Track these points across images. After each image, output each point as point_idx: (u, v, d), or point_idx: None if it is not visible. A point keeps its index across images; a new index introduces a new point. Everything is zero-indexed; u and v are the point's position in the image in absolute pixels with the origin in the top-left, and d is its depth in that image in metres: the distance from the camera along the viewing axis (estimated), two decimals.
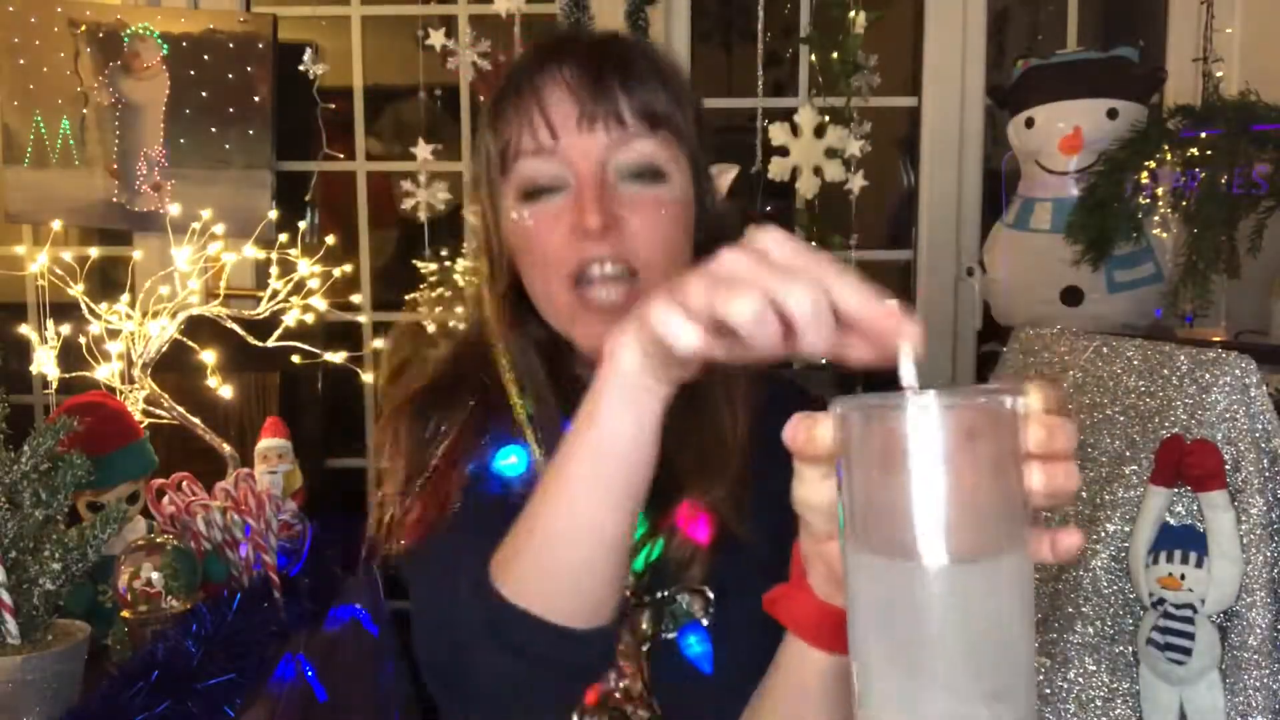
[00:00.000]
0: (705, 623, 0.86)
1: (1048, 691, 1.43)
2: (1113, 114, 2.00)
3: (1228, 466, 1.29)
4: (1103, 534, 1.41)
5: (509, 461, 0.90)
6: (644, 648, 0.85)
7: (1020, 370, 1.77)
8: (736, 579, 0.85)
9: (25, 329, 2.04)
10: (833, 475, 0.52)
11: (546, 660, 0.72)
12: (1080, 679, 1.41)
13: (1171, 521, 1.34)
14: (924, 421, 0.46)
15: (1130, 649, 1.39)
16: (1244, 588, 1.28)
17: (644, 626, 0.86)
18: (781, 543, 0.73)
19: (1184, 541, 1.30)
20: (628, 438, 0.67)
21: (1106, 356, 1.54)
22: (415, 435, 0.92)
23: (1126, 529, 1.39)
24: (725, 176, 2.03)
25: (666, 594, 0.86)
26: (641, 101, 0.85)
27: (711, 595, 0.86)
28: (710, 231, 0.90)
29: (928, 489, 0.46)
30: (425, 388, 0.95)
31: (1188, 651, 1.27)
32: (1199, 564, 1.28)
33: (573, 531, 0.70)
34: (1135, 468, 1.40)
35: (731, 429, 0.89)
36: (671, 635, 0.86)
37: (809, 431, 0.53)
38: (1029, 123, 2.10)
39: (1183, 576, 1.29)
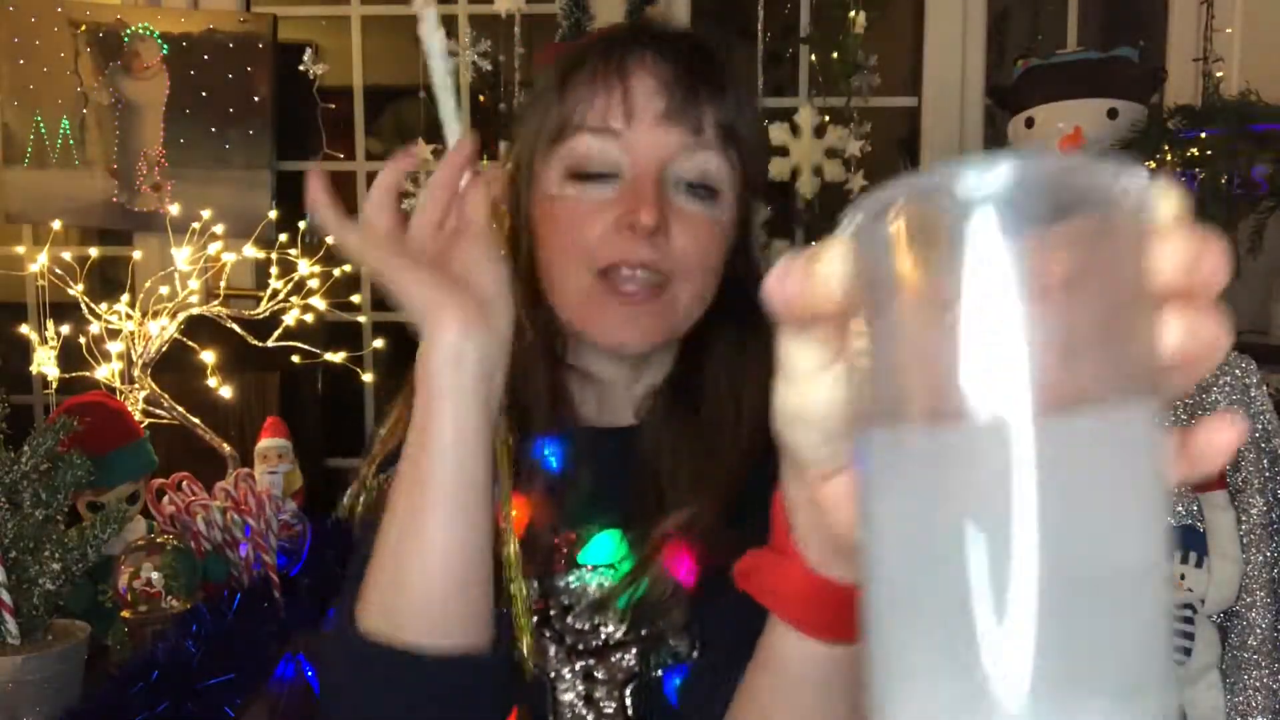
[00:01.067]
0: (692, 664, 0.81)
1: None
2: (1113, 114, 2.01)
3: (1228, 466, 1.29)
4: None
5: None
6: (628, 686, 0.82)
7: None
8: (719, 620, 0.79)
9: (25, 329, 2.04)
10: (836, 355, 0.36)
11: (413, 691, 0.68)
12: None
13: (1171, 521, 1.34)
14: (990, 226, 0.28)
15: None
16: (1244, 588, 1.28)
17: (630, 663, 0.82)
18: None
19: (1184, 541, 1.30)
20: (444, 445, 0.68)
21: None
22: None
23: None
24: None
25: (651, 632, 0.81)
26: (722, 116, 0.82)
27: (699, 639, 0.81)
28: (742, 262, 0.88)
29: (1001, 332, 0.28)
30: None
31: (1187, 651, 1.27)
32: (1199, 564, 1.28)
33: (404, 547, 0.69)
34: None
35: (734, 444, 0.82)
36: (658, 674, 0.81)
37: (809, 269, 0.35)
38: (1029, 123, 2.10)
39: (1182, 576, 1.29)
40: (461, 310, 0.68)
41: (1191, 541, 1.30)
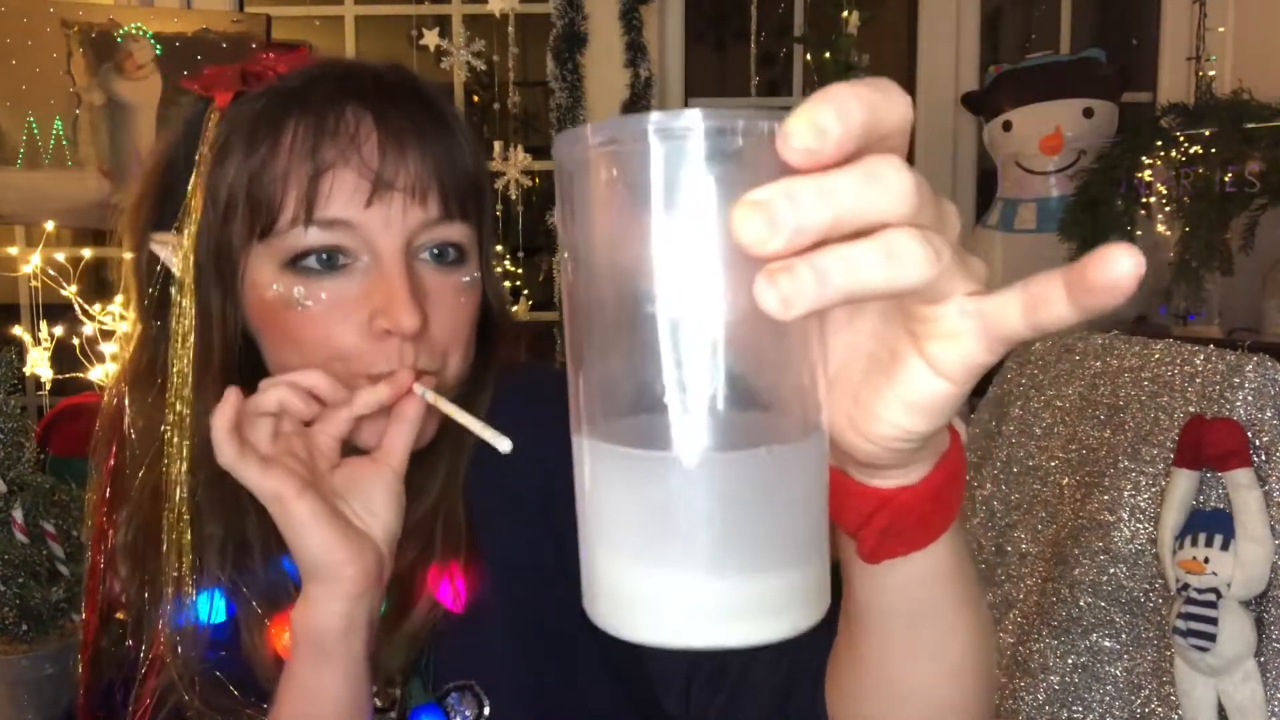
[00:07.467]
0: None
1: (1080, 681, 1.44)
2: (1088, 113, 2.06)
3: (1260, 458, 1.27)
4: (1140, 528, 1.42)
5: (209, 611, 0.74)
6: None
7: (1048, 368, 1.77)
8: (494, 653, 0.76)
9: (19, 330, 2.04)
10: None
11: None
12: (1122, 673, 1.41)
13: (1204, 508, 1.32)
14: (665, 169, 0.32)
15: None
16: None
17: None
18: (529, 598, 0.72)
19: (1212, 525, 1.28)
20: (339, 712, 0.64)
21: (1126, 356, 1.54)
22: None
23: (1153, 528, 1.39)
24: None
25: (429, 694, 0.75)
26: (458, 172, 0.71)
27: (485, 699, 0.75)
28: (491, 314, 0.78)
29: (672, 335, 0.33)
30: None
31: (1211, 638, 1.24)
32: (1224, 546, 1.26)
33: None
34: (1161, 465, 1.41)
35: (439, 462, 0.76)
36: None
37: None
38: (1006, 126, 2.14)
39: (1206, 560, 1.26)
40: (364, 571, 0.64)
41: (1219, 525, 1.28)
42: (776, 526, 0.36)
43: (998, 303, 0.34)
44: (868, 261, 0.31)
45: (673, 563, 0.35)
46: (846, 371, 0.40)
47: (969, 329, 0.35)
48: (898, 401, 0.38)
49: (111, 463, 0.77)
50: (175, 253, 0.72)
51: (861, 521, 0.45)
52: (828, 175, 0.31)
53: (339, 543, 0.63)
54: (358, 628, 0.64)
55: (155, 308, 0.75)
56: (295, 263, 0.68)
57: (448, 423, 0.74)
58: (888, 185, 0.31)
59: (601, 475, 0.37)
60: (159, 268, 0.74)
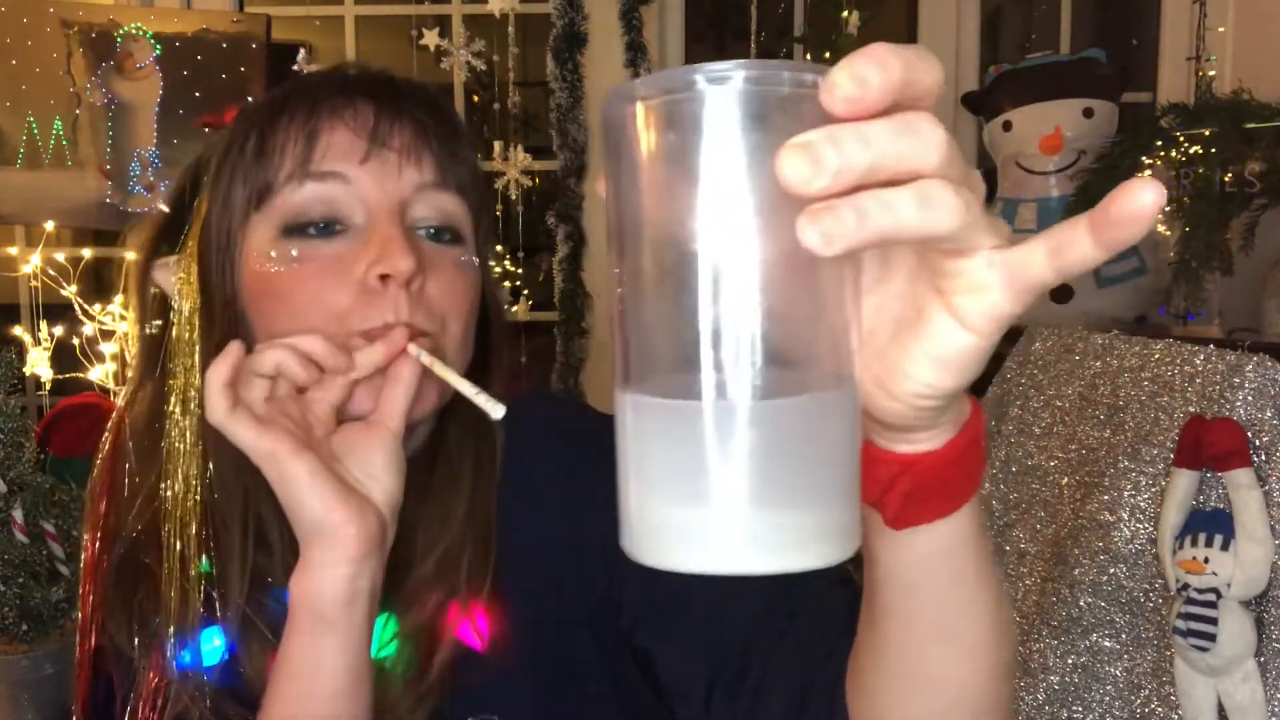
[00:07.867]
0: None
1: (1080, 681, 1.44)
2: (1088, 113, 2.06)
3: (1260, 458, 1.27)
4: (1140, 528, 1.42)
5: (210, 647, 0.71)
6: None
7: (1048, 367, 1.77)
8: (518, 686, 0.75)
9: (19, 330, 2.04)
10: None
11: None
12: (1122, 673, 1.40)
13: (1204, 508, 1.32)
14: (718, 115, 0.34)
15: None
16: None
17: None
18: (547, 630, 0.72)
19: (1212, 525, 1.28)
20: (336, 689, 0.62)
21: (1126, 356, 1.54)
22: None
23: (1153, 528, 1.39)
24: None
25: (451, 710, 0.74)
26: (453, 156, 0.73)
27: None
28: (489, 310, 0.79)
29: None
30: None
31: (1211, 638, 1.23)
32: (1224, 546, 1.26)
33: None
34: (1161, 465, 1.41)
35: (469, 491, 0.76)
36: None
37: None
38: (1006, 126, 2.14)
39: (1206, 560, 1.26)
40: (366, 533, 0.62)
41: (1219, 525, 1.27)
42: (814, 466, 0.37)
43: (1023, 252, 0.36)
44: (904, 205, 0.33)
45: (718, 499, 0.36)
46: (874, 336, 0.42)
47: (996, 280, 0.37)
48: (925, 357, 0.39)
49: (104, 504, 0.77)
50: (173, 271, 0.73)
51: (885, 488, 0.46)
52: (868, 124, 0.33)
53: (339, 502, 0.61)
54: (361, 595, 0.62)
55: (155, 330, 0.75)
56: (292, 232, 0.69)
57: (461, 457, 0.76)
58: (922, 136, 0.33)
59: (647, 424, 0.38)
60: (159, 292, 0.76)
